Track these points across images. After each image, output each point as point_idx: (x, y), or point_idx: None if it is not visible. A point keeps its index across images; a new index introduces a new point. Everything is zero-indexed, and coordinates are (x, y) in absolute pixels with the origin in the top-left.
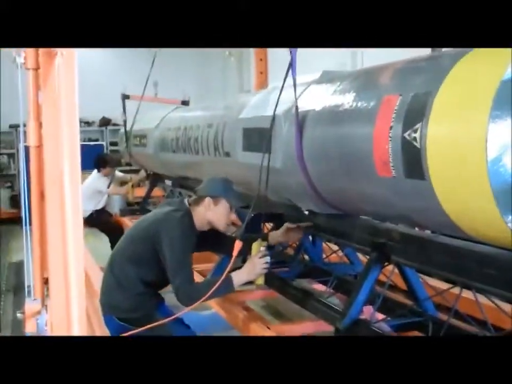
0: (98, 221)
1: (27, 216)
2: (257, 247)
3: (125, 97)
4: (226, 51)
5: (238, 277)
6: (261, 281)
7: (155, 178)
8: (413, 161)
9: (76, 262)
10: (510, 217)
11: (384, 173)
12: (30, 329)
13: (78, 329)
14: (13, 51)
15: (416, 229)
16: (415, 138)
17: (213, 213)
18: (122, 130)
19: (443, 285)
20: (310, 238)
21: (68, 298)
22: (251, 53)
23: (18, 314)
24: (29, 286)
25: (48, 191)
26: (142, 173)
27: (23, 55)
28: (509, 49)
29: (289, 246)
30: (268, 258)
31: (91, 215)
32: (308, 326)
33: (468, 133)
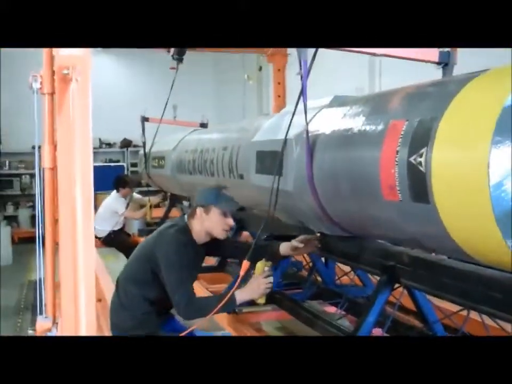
0: (116, 240)
1: (40, 236)
2: (262, 267)
3: (144, 119)
4: (245, 74)
5: (241, 295)
6: (262, 300)
7: (173, 199)
8: (418, 185)
9: (86, 281)
10: None
11: (391, 197)
12: None
13: None
14: (29, 77)
15: (433, 254)
16: (420, 163)
17: (207, 222)
18: (142, 151)
19: (452, 306)
20: (323, 260)
21: (77, 317)
22: (270, 76)
23: (30, 331)
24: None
25: (61, 212)
26: (159, 196)
27: (39, 81)
28: None
29: (304, 268)
30: (271, 279)
31: (109, 235)
32: None
33: (471, 158)
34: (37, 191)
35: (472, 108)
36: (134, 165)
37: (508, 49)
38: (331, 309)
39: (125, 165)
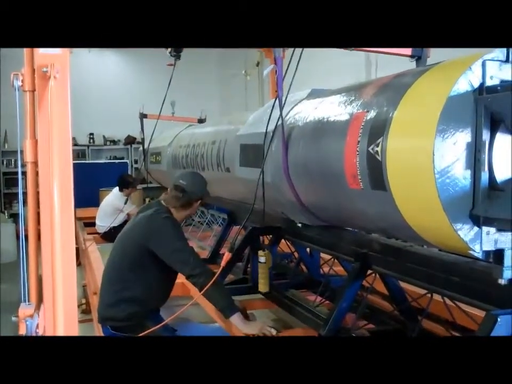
0: (116, 236)
1: (23, 230)
2: None
3: (143, 116)
4: (242, 70)
5: (238, 319)
6: (264, 288)
7: None
8: (376, 173)
9: (64, 269)
10: (459, 225)
11: (354, 185)
12: (22, 331)
13: (63, 333)
14: (11, 74)
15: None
16: (377, 152)
17: (190, 210)
18: (141, 148)
19: (419, 289)
20: (308, 250)
21: (55, 303)
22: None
23: (13, 318)
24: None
25: (42, 205)
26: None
27: (20, 78)
28: (463, 65)
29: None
30: (273, 332)
31: (109, 230)
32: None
33: (419, 146)
34: (19, 185)
35: (421, 97)
36: (137, 161)
37: None
38: (313, 297)
39: (128, 161)
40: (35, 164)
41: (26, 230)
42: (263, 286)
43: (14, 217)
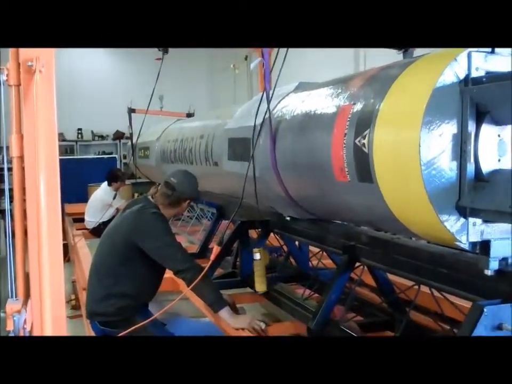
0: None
1: (9, 226)
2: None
3: (131, 111)
4: (231, 64)
5: (227, 313)
6: (261, 287)
7: None
8: (363, 165)
9: (51, 263)
10: (446, 216)
11: (341, 178)
12: (10, 327)
13: (51, 329)
14: None
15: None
16: (364, 144)
17: (179, 209)
18: (130, 143)
19: (406, 281)
20: (297, 243)
21: (42, 299)
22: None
23: (2, 314)
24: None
25: (28, 200)
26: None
27: (5, 73)
28: (448, 56)
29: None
30: (262, 325)
31: (99, 226)
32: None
33: (405, 138)
34: (5, 181)
35: (408, 89)
36: (126, 156)
37: None
38: (302, 290)
39: (117, 157)
40: (21, 158)
41: (13, 226)
42: (259, 285)
43: (3, 213)
